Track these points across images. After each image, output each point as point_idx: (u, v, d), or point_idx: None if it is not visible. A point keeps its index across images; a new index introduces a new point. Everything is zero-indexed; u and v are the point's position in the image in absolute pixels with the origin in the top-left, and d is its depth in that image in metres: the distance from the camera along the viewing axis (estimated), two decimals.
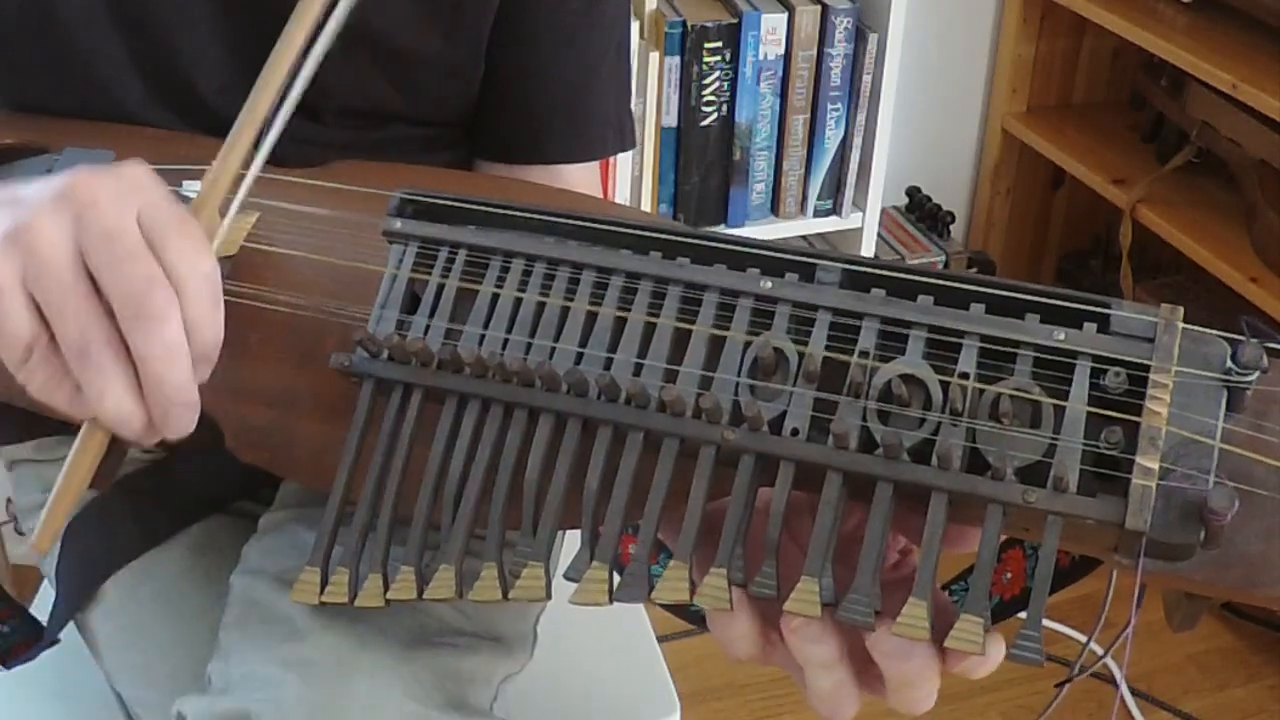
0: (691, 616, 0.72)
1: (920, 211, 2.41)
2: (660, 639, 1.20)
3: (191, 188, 0.81)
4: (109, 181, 0.61)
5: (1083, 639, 1.86)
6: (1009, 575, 0.66)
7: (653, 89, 2.04)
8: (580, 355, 0.66)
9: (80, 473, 0.64)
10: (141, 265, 0.60)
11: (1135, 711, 1.87)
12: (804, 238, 2.26)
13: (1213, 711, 1.89)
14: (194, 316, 0.61)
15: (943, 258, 2.33)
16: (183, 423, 0.62)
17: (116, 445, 0.64)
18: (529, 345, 0.66)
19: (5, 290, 0.59)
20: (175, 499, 0.97)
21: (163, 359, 0.60)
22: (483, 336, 0.67)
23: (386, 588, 0.66)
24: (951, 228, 2.40)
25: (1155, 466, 0.55)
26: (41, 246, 0.59)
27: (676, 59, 2.02)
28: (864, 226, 2.21)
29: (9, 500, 1.09)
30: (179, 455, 0.94)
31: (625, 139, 1.04)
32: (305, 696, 0.75)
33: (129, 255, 0.60)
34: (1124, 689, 1.89)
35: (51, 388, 0.61)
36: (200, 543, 0.97)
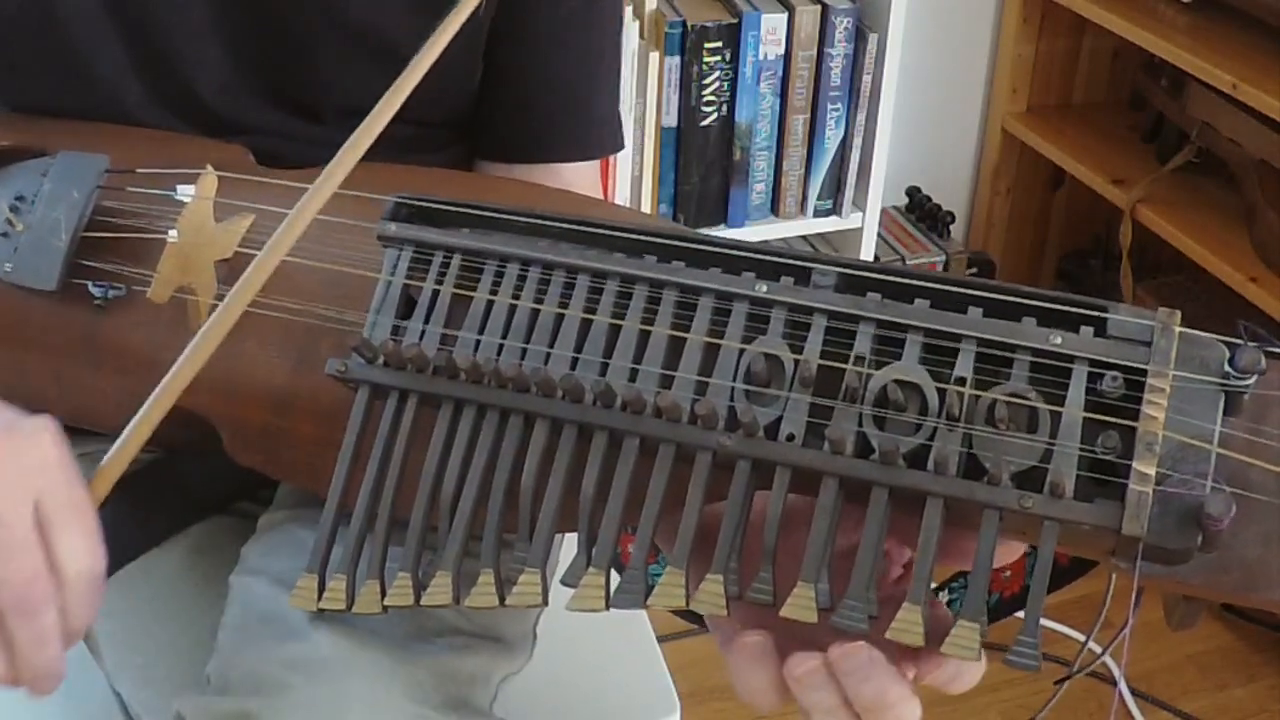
0: (693, 615, 0.72)
1: (920, 211, 2.41)
2: (660, 639, 1.20)
3: (186, 191, 0.81)
4: (11, 460, 0.63)
5: (1081, 638, 1.86)
6: (1008, 573, 0.66)
7: (653, 89, 2.03)
8: (576, 360, 0.65)
9: None
10: (27, 559, 0.62)
11: (1135, 711, 1.87)
12: (804, 238, 2.25)
13: (1213, 711, 1.88)
14: (71, 608, 0.64)
15: (943, 258, 2.33)
16: (48, 688, 0.65)
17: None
18: (524, 351, 0.66)
19: None
20: (175, 500, 0.96)
21: (33, 645, 0.63)
22: (478, 342, 0.67)
23: (384, 594, 0.66)
24: (951, 228, 2.40)
25: (1152, 471, 0.55)
26: None
27: (676, 59, 2.02)
28: (864, 226, 2.21)
29: None
30: (178, 457, 0.94)
31: (618, 139, 1.04)
32: (304, 697, 0.75)
33: (17, 548, 0.62)
34: (1123, 688, 1.89)
35: None
36: (200, 543, 0.97)
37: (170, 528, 0.96)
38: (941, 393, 0.58)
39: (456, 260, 0.69)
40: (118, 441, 0.67)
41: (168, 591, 0.94)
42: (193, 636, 0.91)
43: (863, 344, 0.61)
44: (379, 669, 0.76)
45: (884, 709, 0.58)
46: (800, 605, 0.56)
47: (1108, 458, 0.56)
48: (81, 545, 0.64)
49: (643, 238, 0.67)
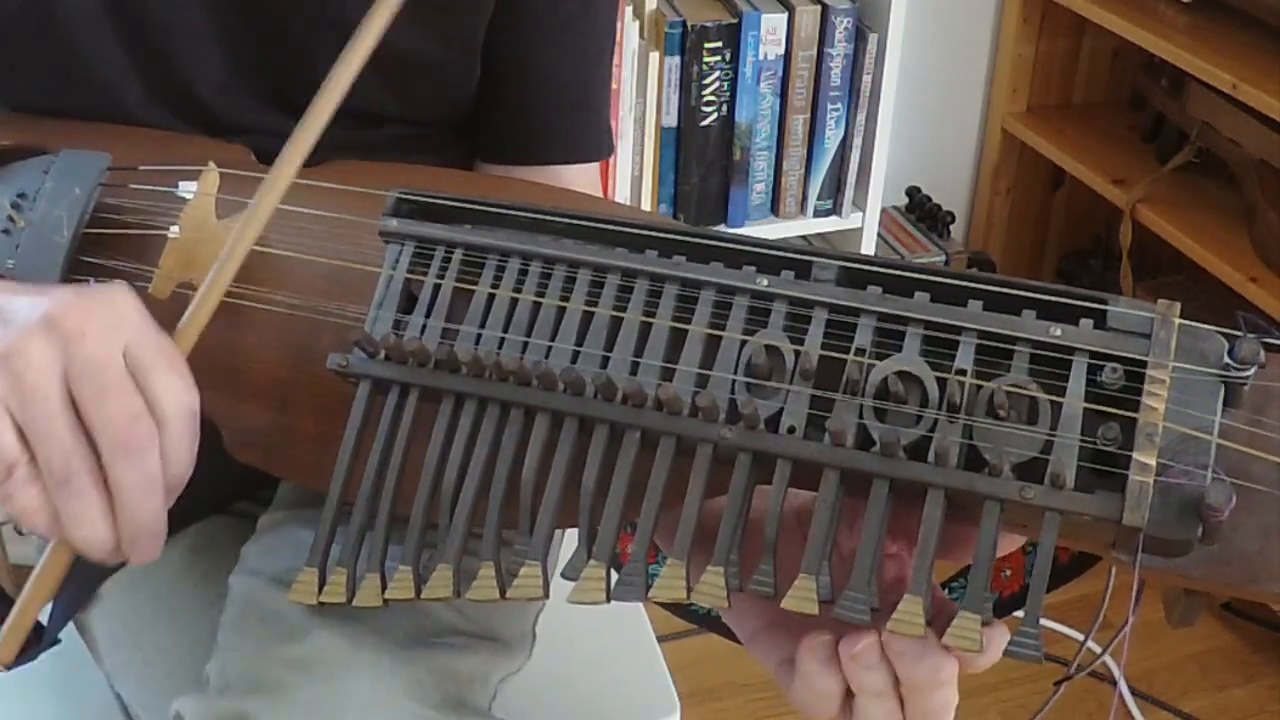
0: (692, 615, 0.72)
1: (920, 211, 2.41)
2: (660, 639, 1.20)
3: (188, 188, 0.81)
4: (97, 310, 0.62)
5: (1081, 638, 1.85)
6: (1008, 572, 0.66)
7: (653, 89, 2.03)
8: (577, 354, 0.65)
9: (46, 588, 0.66)
10: (126, 399, 0.61)
11: (1135, 711, 1.87)
12: (804, 238, 2.25)
13: (1213, 711, 1.88)
14: (171, 450, 0.63)
15: (943, 258, 2.33)
16: (150, 550, 0.64)
17: (81, 562, 0.65)
18: (525, 344, 0.66)
19: None
20: (175, 499, 0.96)
21: (140, 491, 0.62)
22: (479, 336, 0.67)
23: (384, 587, 0.66)
24: (951, 228, 2.40)
25: (1153, 462, 0.55)
26: (29, 373, 0.60)
27: (676, 59, 2.02)
28: (864, 226, 2.21)
29: None
30: None
31: (611, 143, 1.04)
32: (304, 697, 0.75)
33: (115, 388, 0.61)
34: (1123, 688, 1.88)
35: (30, 510, 0.62)
36: (199, 543, 0.97)
37: (170, 528, 0.96)
38: (942, 385, 0.59)
39: (458, 255, 0.69)
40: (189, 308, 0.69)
41: (168, 591, 0.94)
42: (193, 636, 0.91)
43: (863, 337, 0.61)
44: (378, 669, 0.77)
45: (936, 687, 0.58)
46: (801, 597, 0.56)
47: (1108, 449, 0.56)
48: (175, 383, 0.63)
49: (644, 232, 0.67)
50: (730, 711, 1.84)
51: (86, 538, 0.62)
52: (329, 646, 0.76)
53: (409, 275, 0.70)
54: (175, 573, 0.95)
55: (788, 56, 2.06)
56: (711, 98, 2.06)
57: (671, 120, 2.07)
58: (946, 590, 0.67)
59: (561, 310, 0.66)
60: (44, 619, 0.93)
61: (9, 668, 0.88)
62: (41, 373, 0.60)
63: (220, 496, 0.99)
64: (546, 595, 0.63)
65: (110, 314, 0.63)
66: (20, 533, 1.09)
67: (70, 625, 0.95)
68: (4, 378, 0.60)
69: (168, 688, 0.88)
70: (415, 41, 0.91)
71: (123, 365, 0.62)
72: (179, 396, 0.63)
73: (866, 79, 2.09)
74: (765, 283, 0.63)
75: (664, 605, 0.70)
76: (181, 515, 0.96)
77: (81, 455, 0.60)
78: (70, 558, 0.64)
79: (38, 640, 0.91)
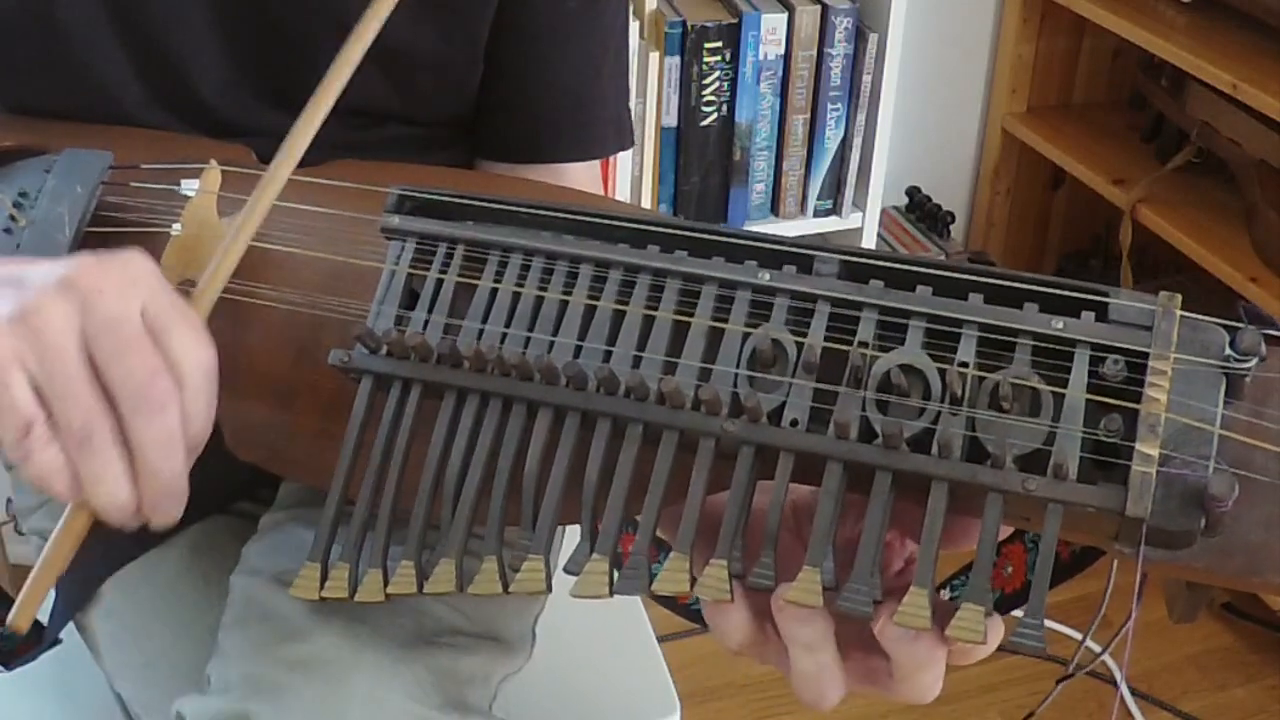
0: (691, 615, 0.72)
1: (920, 211, 2.41)
2: (660, 639, 1.20)
3: (190, 186, 0.81)
4: (114, 270, 0.62)
5: (1081, 638, 1.86)
6: (1010, 569, 0.66)
7: (653, 89, 2.04)
8: (579, 349, 0.65)
9: (64, 553, 0.65)
10: (145, 356, 0.61)
11: (1135, 711, 1.87)
12: (804, 237, 2.25)
13: (1213, 711, 1.88)
14: (191, 408, 0.62)
15: (942, 258, 2.33)
16: (172, 512, 0.63)
17: (100, 526, 0.65)
18: (527, 339, 0.66)
19: (9, 371, 0.60)
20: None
21: (161, 449, 0.61)
22: (481, 331, 0.67)
23: (386, 582, 0.66)
24: (951, 228, 2.40)
25: (1155, 453, 0.55)
26: (47, 331, 0.60)
27: (676, 59, 2.02)
28: (864, 226, 2.22)
29: (9, 500, 1.10)
30: None
31: (624, 138, 1.04)
32: (304, 697, 0.75)
33: (133, 345, 0.61)
34: (1123, 688, 1.88)
35: (49, 470, 0.61)
36: (199, 543, 0.97)
37: (170, 527, 0.96)
38: (944, 377, 0.59)
39: (460, 251, 0.69)
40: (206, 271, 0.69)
41: (168, 591, 0.94)
42: (193, 636, 0.91)
43: (866, 330, 0.61)
44: (379, 669, 0.77)
45: (930, 666, 0.58)
46: (805, 589, 0.56)
47: (1111, 440, 0.56)
48: (193, 340, 0.62)
49: (646, 227, 0.67)
50: (730, 711, 1.84)
51: (107, 498, 0.61)
52: (330, 647, 0.76)
53: (411, 271, 0.70)
54: (176, 573, 0.95)
55: (788, 56, 2.06)
56: (711, 98, 2.06)
57: (671, 120, 2.08)
58: (948, 587, 0.67)
59: (564, 305, 0.66)
60: (44, 619, 0.93)
61: (8, 666, 0.88)
62: (60, 332, 0.60)
63: (221, 496, 0.99)
64: (549, 589, 0.62)
65: (127, 274, 0.62)
66: (20, 532, 1.09)
67: (70, 625, 0.95)
68: (23, 337, 0.60)
69: (168, 688, 0.88)
70: (417, 40, 0.91)
71: (140, 323, 0.61)
72: (197, 354, 0.62)
73: (866, 79, 2.09)
74: (767, 277, 0.63)
75: (664, 604, 0.70)
76: (182, 515, 0.97)
77: (101, 413, 0.60)
78: (89, 521, 0.64)
79: (38, 640, 0.91)
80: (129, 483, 0.61)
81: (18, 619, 0.66)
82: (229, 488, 0.99)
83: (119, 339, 0.60)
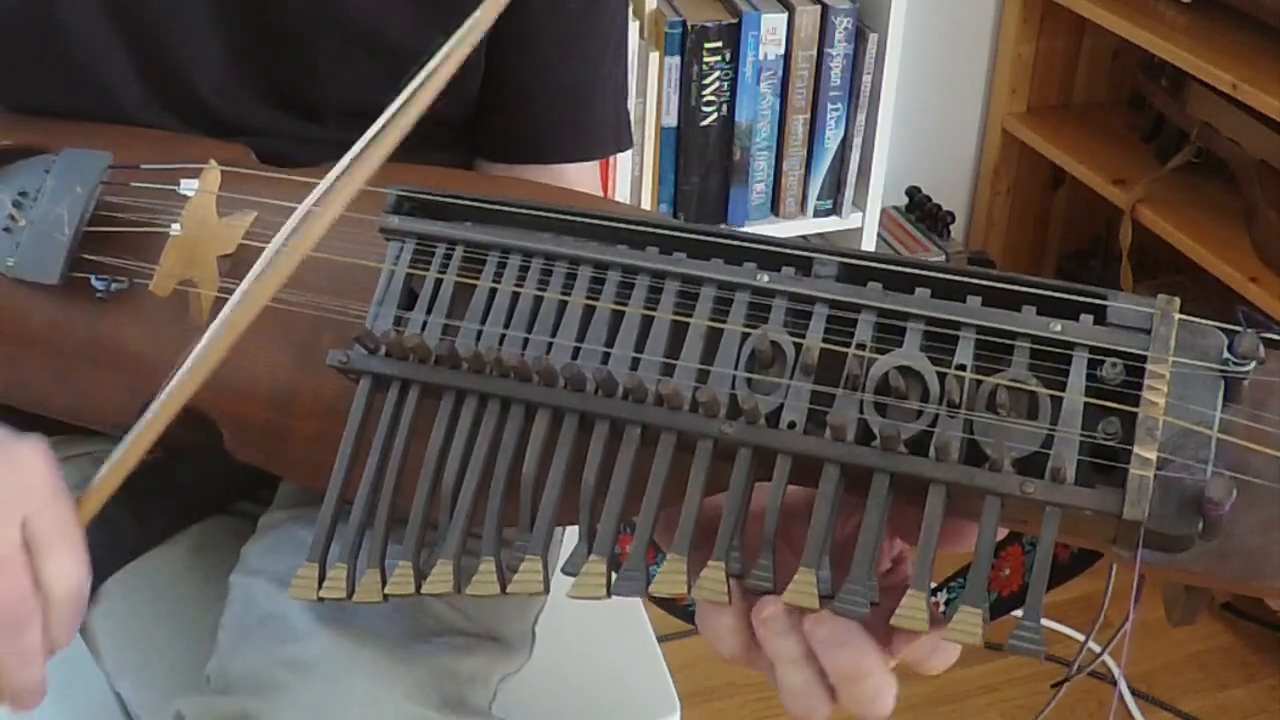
0: (689, 616, 0.72)
1: (920, 211, 2.41)
2: (660, 639, 1.20)
3: (190, 186, 0.82)
4: (0, 482, 0.63)
5: (1081, 638, 1.85)
6: (1007, 571, 0.66)
7: (653, 89, 2.03)
8: (577, 350, 0.66)
9: None
10: (14, 579, 0.62)
11: (1135, 711, 1.87)
12: (804, 238, 2.25)
13: (1213, 711, 1.88)
14: (55, 627, 0.64)
15: (943, 258, 2.33)
16: (29, 705, 0.65)
17: (93, 527, 0.66)
18: (526, 340, 0.66)
19: None
20: (175, 499, 0.96)
21: (17, 663, 0.63)
22: (480, 332, 0.67)
23: (384, 583, 0.66)
24: (951, 228, 2.40)
25: (1153, 457, 0.55)
26: None
27: (676, 59, 2.02)
28: (864, 226, 2.21)
29: None
30: (178, 456, 0.94)
31: (623, 139, 1.04)
32: (304, 696, 0.75)
33: (4, 567, 0.62)
34: (1123, 687, 1.88)
35: None
36: (200, 543, 0.97)
37: (170, 528, 0.96)
38: (942, 380, 0.59)
39: (459, 252, 0.70)
40: (112, 456, 0.67)
41: (168, 591, 0.95)
42: (193, 636, 0.91)
43: (864, 332, 0.61)
44: (378, 669, 0.77)
45: (860, 678, 0.58)
46: (802, 591, 0.56)
47: (1109, 443, 0.56)
48: (68, 566, 0.64)
49: (645, 229, 0.67)
50: (730, 711, 1.84)
51: None
52: (329, 646, 0.77)
53: (410, 272, 0.70)
54: (175, 573, 0.95)
55: (788, 56, 2.06)
56: (711, 98, 2.06)
57: (671, 120, 2.08)
58: (945, 589, 0.67)
59: (562, 306, 0.66)
60: None
61: None
62: None
63: (220, 496, 0.99)
64: (547, 590, 0.63)
65: (14, 480, 0.64)
66: None
67: None
68: None
69: (168, 688, 0.88)
70: (419, 40, 0.91)
71: (16, 541, 0.62)
72: (67, 579, 0.64)
73: (866, 79, 2.09)
74: (766, 279, 0.63)
75: (663, 607, 0.70)
76: (181, 515, 0.97)
77: None
78: None
79: None
80: None
81: None
82: (229, 488, 1.00)
83: None
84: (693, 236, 0.66)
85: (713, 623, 0.61)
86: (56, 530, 0.64)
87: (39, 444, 0.66)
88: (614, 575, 0.61)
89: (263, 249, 0.77)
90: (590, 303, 0.66)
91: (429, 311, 0.69)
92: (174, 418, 0.66)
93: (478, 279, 0.69)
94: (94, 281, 0.80)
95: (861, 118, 2.12)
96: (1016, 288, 0.61)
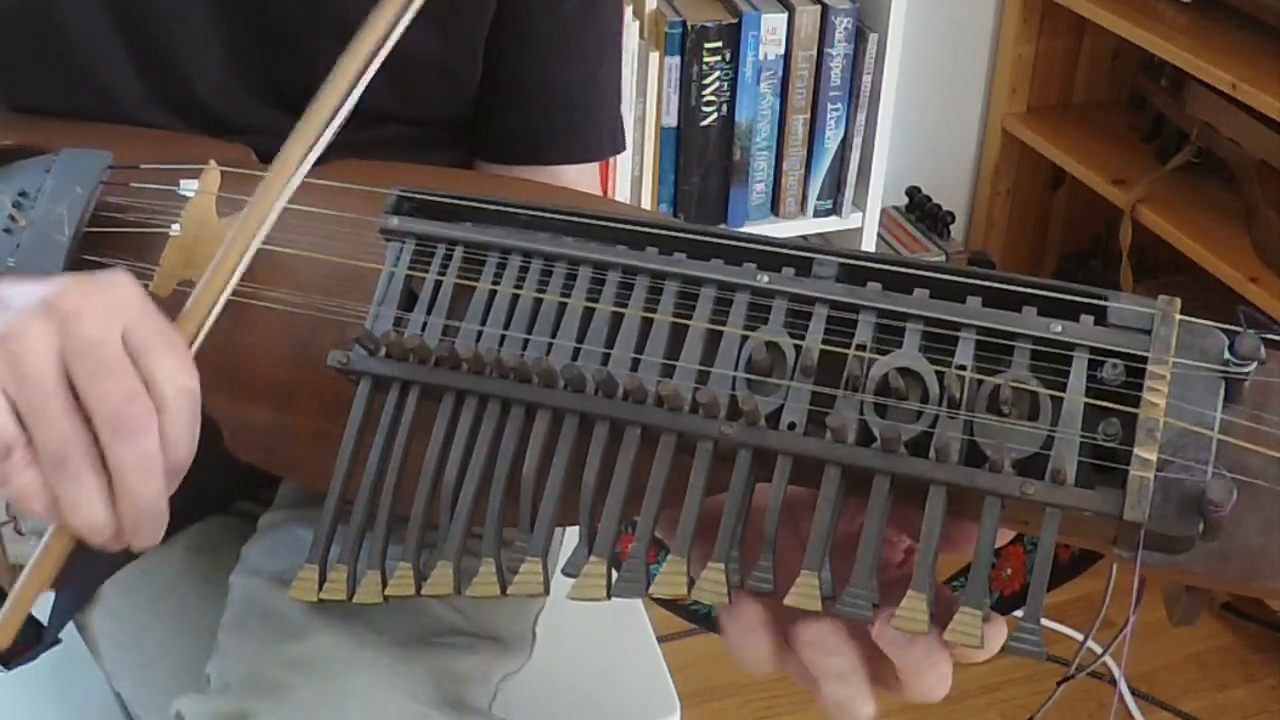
0: (691, 615, 0.72)
1: (920, 211, 2.41)
2: (660, 639, 1.20)
3: (189, 187, 0.82)
4: (95, 293, 0.62)
5: (1081, 638, 1.86)
6: (1009, 571, 0.66)
7: (653, 89, 2.03)
8: (577, 351, 0.65)
9: (44, 574, 0.64)
10: (123, 379, 0.60)
11: (1135, 711, 1.87)
12: (804, 238, 2.25)
13: (1213, 711, 1.88)
14: (171, 433, 0.62)
15: (943, 258, 2.33)
16: (152, 535, 0.63)
17: (81, 547, 0.64)
18: (526, 341, 0.66)
19: None
20: (175, 499, 0.96)
21: (138, 473, 0.61)
22: (480, 333, 0.67)
23: (385, 584, 0.66)
24: (951, 228, 2.40)
25: (1153, 458, 0.55)
26: (25, 354, 0.60)
27: (676, 59, 2.02)
28: (864, 226, 2.21)
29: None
30: None
31: (618, 141, 1.04)
32: (304, 696, 0.76)
33: (111, 368, 0.60)
34: (1123, 687, 1.88)
35: (27, 493, 0.61)
36: (199, 543, 0.97)
37: (170, 527, 0.96)
38: (942, 380, 0.59)
39: (459, 253, 0.70)
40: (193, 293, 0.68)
41: (168, 591, 0.95)
42: (193, 636, 0.91)
43: (864, 333, 0.61)
44: (378, 668, 0.77)
45: (932, 667, 0.58)
46: (804, 594, 0.56)
47: (1109, 444, 0.56)
48: (175, 365, 0.62)
49: (644, 229, 0.67)
50: (730, 711, 1.84)
51: (85, 521, 0.61)
52: (330, 646, 0.77)
53: (410, 273, 0.70)
54: (175, 573, 0.95)
55: (788, 56, 2.06)
56: (711, 98, 2.06)
57: (671, 120, 2.08)
58: (949, 588, 0.67)
59: (562, 307, 0.66)
60: (44, 619, 0.93)
61: (8, 666, 0.88)
62: (38, 354, 0.60)
63: (220, 496, 1.00)
64: (547, 592, 0.62)
65: (109, 296, 0.62)
66: (20, 532, 1.09)
67: (70, 625, 0.95)
68: (2, 361, 0.60)
69: (168, 688, 0.88)
70: (417, 40, 0.91)
71: (120, 346, 0.61)
72: (177, 378, 0.62)
73: (866, 79, 2.09)
74: (766, 279, 0.63)
75: (665, 605, 0.70)
76: (181, 515, 0.96)
77: (78, 437, 0.60)
78: (70, 543, 0.63)
79: (38, 640, 0.91)
80: (107, 506, 0.61)
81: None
82: (229, 488, 1.00)
83: (96, 362, 0.60)
84: (692, 237, 0.66)
85: (746, 649, 0.61)
86: (158, 334, 0.62)
87: (127, 271, 0.65)
88: (614, 576, 0.61)
89: (262, 250, 0.77)
90: (590, 304, 0.66)
91: (429, 312, 0.69)
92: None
93: (478, 280, 0.69)
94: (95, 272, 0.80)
95: (861, 118, 2.12)
96: (1016, 288, 0.60)
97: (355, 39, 0.73)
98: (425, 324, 0.69)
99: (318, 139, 0.71)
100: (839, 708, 0.60)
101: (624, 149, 1.07)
